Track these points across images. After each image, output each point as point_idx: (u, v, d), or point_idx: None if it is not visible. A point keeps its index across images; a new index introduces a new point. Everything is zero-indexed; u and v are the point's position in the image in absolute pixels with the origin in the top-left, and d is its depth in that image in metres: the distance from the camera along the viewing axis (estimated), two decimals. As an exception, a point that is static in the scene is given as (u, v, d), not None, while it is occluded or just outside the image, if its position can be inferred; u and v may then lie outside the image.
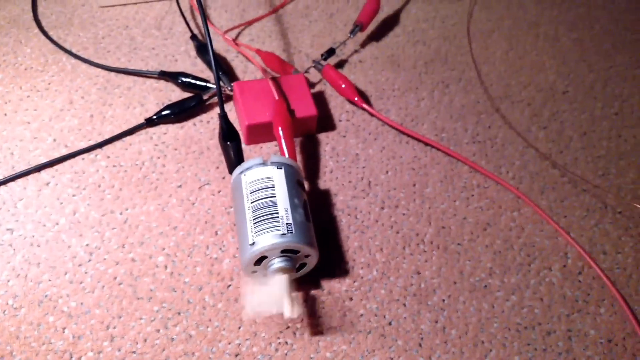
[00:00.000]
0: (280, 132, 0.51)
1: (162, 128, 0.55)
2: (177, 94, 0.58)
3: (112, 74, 0.59)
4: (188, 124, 0.56)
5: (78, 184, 0.51)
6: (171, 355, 0.43)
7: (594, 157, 0.58)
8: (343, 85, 0.57)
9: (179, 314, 0.45)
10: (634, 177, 0.56)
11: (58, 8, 0.64)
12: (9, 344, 0.42)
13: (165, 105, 0.55)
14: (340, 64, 0.62)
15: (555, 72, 0.65)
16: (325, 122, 0.57)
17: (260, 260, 0.44)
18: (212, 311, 0.45)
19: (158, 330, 0.44)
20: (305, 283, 0.47)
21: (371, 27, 0.66)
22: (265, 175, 0.46)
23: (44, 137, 0.54)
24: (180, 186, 0.51)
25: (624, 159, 0.58)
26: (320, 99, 0.58)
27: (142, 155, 0.53)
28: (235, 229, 0.49)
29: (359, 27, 0.61)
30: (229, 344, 0.44)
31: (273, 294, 0.42)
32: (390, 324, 0.46)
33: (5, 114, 0.55)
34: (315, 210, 0.50)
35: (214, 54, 0.47)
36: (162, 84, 0.58)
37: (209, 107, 0.57)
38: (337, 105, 0.59)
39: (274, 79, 0.55)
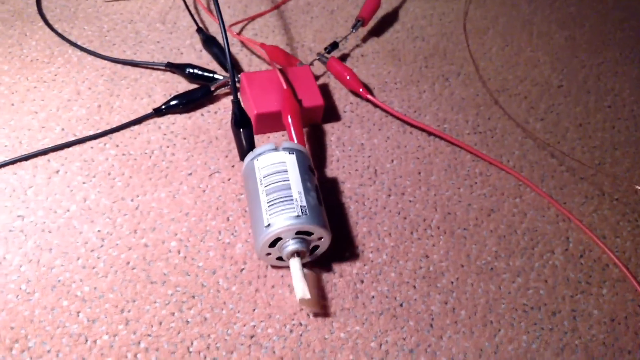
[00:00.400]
0: (289, 120, 0.51)
1: (170, 118, 0.56)
2: (183, 86, 0.58)
3: (119, 66, 0.59)
4: (196, 114, 0.57)
5: (88, 172, 0.51)
6: (187, 338, 0.43)
7: (590, 147, 0.60)
8: (348, 77, 0.58)
9: (194, 297, 0.45)
10: (628, 165, 0.58)
11: (62, 2, 0.65)
12: (24, 327, 0.42)
13: (173, 95, 0.56)
14: (343, 58, 0.64)
15: (549, 68, 0.67)
16: (330, 113, 0.58)
17: (274, 242, 0.44)
18: (226, 294, 0.45)
19: (173, 314, 0.44)
20: (317, 266, 0.47)
21: (371, 23, 0.67)
22: (277, 160, 0.46)
23: (52, 126, 0.54)
24: (190, 174, 0.52)
25: (618, 149, 0.60)
26: (324, 91, 0.60)
27: (151, 144, 0.54)
28: (247, 213, 0.49)
29: (360, 22, 0.63)
30: (244, 326, 0.44)
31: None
32: (401, 305, 0.46)
33: (13, 104, 0.55)
34: (324, 197, 0.50)
35: (227, 40, 0.48)
36: (168, 75, 0.59)
37: (216, 98, 0.58)
38: (342, 97, 0.60)
39: (281, 69, 0.56)
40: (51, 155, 0.52)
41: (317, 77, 0.61)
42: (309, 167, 0.47)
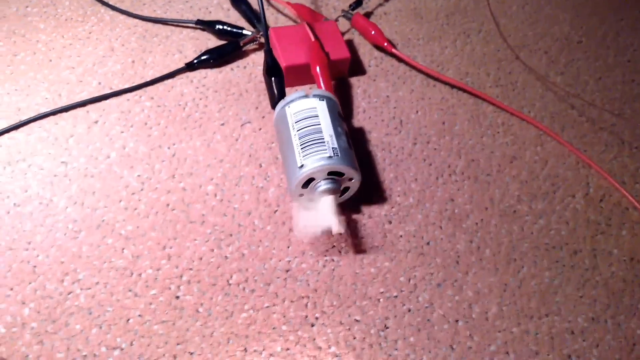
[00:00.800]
0: (318, 70, 0.53)
1: (202, 72, 0.58)
2: (213, 42, 0.60)
3: (150, 24, 0.61)
4: (226, 69, 0.59)
5: (125, 122, 0.53)
6: (226, 272, 0.45)
7: (609, 99, 0.61)
8: (372, 32, 0.60)
9: (231, 235, 0.47)
10: (647, 116, 0.60)
11: (93, -36, 0.66)
12: (72, 262, 0.45)
13: (204, 50, 0.58)
14: (366, 16, 0.65)
15: (569, 24, 0.68)
16: (356, 67, 0.60)
17: (307, 183, 0.47)
18: (261, 233, 0.48)
19: (212, 250, 0.46)
20: (347, 208, 0.49)
21: (393, -17, 0.68)
22: (309, 106, 0.48)
23: (89, 80, 0.56)
24: (222, 124, 0.54)
25: (637, 101, 0.61)
26: (349, 47, 0.61)
27: (184, 97, 0.56)
28: (279, 160, 0.52)
29: (383, -20, 0.64)
30: (280, 261, 0.46)
31: (321, 214, 0.45)
32: (428, 244, 0.48)
33: (51, 60, 0.57)
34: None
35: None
36: (198, 33, 0.61)
37: (245, 54, 0.60)
38: (366, 53, 0.62)
39: (308, 24, 0.57)
40: (89, 107, 0.54)
41: (342, 34, 0.62)
42: (338, 114, 0.49)
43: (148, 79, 0.56)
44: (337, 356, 0.42)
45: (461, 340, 0.44)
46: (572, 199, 0.52)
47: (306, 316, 0.44)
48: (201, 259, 0.46)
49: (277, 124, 0.50)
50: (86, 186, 0.49)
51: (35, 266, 0.44)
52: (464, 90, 0.59)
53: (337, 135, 0.47)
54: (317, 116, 0.48)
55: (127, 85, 0.56)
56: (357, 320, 0.44)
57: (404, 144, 0.55)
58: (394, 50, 0.59)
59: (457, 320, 0.45)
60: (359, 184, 0.48)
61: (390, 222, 0.49)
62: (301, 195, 0.48)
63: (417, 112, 0.57)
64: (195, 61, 0.57)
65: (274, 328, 0.43)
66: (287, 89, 0.56)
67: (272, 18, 0.64)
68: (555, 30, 0.67)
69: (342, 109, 0.55)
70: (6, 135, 0.51)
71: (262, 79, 0.56)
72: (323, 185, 0.46)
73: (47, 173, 0.49)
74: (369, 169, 0.52)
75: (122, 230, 0.47)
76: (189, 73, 0.57)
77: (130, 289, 0.44)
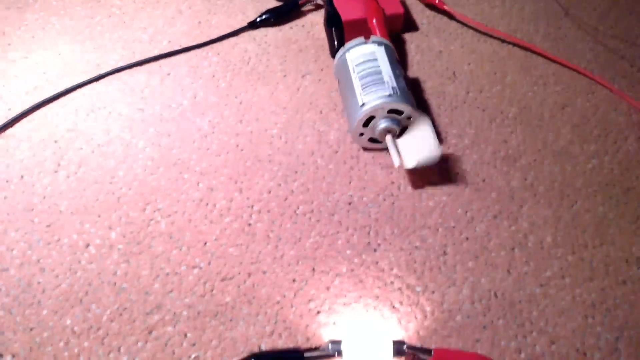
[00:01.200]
0: (375, 23, 0.56)
1: (263, 31, 0.62)
2: (273, 4, 0.64)
3: (214, -11, 0.65)
4: (285, 27, 0.62)
5: (194, 75, 0.57)
6: (293, 204, 0.49)
7: (660, 52, 0.62)
8: (425, -10, 0.62)
9: (296, 172, 0.51)
10: (699, 67, 0.61)
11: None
12: (152, 194, 0.49)
13: (264, 10, 0.62)
14: (417, -21, 0.68)
15: (617, -16, 0.70)
16: (408, 24, 0.63)
17: (367, 122, 0.49)
18: (324, 170, 0.51)
19: (279, 185, 0.50)
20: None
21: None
22: (368, 51, 0.51)
23: (159, 39, 0.60)
24: (285, 76, 0.58)
25: (688, 53, 0.62)
26: (402, 4, 0.64)
27: (247, 53, 0.59)
28: (340, 106, 0.55)
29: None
30: (342, 195, 0.49)
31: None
32: (483, 180, 0.51)
33: (124, 22, 0.62)
34: (410, 88, 0.55)
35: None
36: (259, -5, 0.65)
37: (302, 14, 0.63)
38: (418, 12, 0.64)
39: (363, -18, 0.60)
40: (161, 61, 0.58)
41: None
42: (395, 59, 0.52)
43: (214, 37, 0.60)
44: (399, 277, 0.45)
45: (517, 265, 0.46)
46: (625, 142, 0.54)
47: (369, 242, 0.47)
48: (270, 192, 0.49)
49: (338, 71, 0.53)
50: (162, 129, 0.53)
51: (119, 197, 0.49)
52: (515, 44, 0.61)
53: (396, 77, 0.50)
54: (376, 59, 0.50)
55: (194, 43, 0.60)
56: (417, 247, 0.47)
57: (458, 93, 0.57)
58: (445, 7, 0.62)
59: (513, 248, 0.47)
60: (417, 123, 0.50)
61: (446, 162, 0.52)
62: (362, 134, 0.51)
63: (469, 64, 0.59)
64: (257, 19, 0.60)
65: (339, 252, 0.46)
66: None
67: (327, -18, 0.67)
68: (604, -10, 0.69)
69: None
70: (88, 86, 0.56)
71: (320, 36, 0.59)
72: (383, 123, 0.49)
73: (126, 118, 0.54)
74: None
75: (197, 167, 0.50)
76: (251, 32, 0.61)
77: (206, 216, 0.47)
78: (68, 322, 0.42)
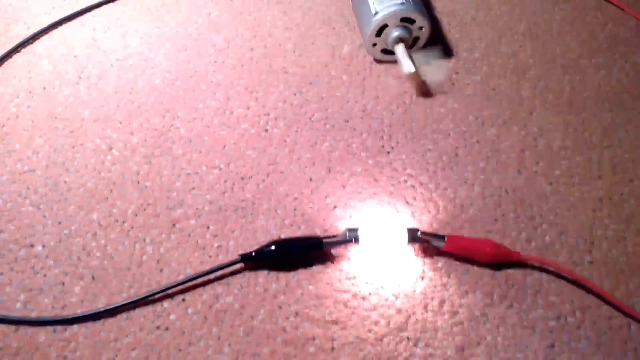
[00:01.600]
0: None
1: (275, -45, 0.62)
2: None
3: None
4: (297, -49, 0.63)
5: (209, -5, 0.58)
6: (308, 111, 0.50)
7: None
8: None
9: (310, 83, 0.52)
10: None
11: None
12: (172, 103, 0.50)
13: None
14: None
15: None
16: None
17: (380, 31, 0.50)
18: (338, 81, 0.52)
19: (294, 94, 0.51)
20: (416, 60, 0.53)
21: None
22: (380, -37, 0.52)
23: (173, -37, 0.61)
24: (297, -5, 0.58)
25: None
26: None
27: (260, -25, 0.60)
28: (354, 19, 0.55)
29: None
30: (356, 103, 0.51)
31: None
32: (493, 89, 0.52)
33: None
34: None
35: None
36: None
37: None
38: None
39: None
40: (176, -17, 0.59)
41: None
42: (407, -27, 0.53)
43: (226, -39, 0.61)
44: (412, 176, 0.46)
45: (527, 166, 0.47)
46: (632, 55, 0.55)
47: (382, 145, 0.48)
48: (285, 101, 0.50)
49: (350, -15, 0.54)
50: (179, 45, 0.54)
51: (139, 106, 0.50)
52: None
53: (408, -12, 0.50)
54: (388, -28, 0.51)
55: (208, -34, 0.60)
56: (429, 149, 0.48)
57: (467, 11, 0.58)
58: None
59: (523, 150, 0.48)
60: (428, 33, 0.51)
61: (457, 73, 0.53)
62: (375, 45, 0.52)
63: (479, -16, 0.60)
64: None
65: (354, 154, 0.47)
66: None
67: None
68: None
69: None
70: (105, 6, 0.57)
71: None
72: (395, 31, 0.50)
73: (143, 35, 0.55)
74: (435, 30, 0.56)
75: (214, 79, 0.52)
76: (264, -45, 0.62)
77: (224, 123, 0.49)
78: (94, 216, 0.44)
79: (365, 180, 0.46)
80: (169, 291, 0.40)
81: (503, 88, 0.52)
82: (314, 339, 0.38)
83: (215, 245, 0.42)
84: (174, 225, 0.43)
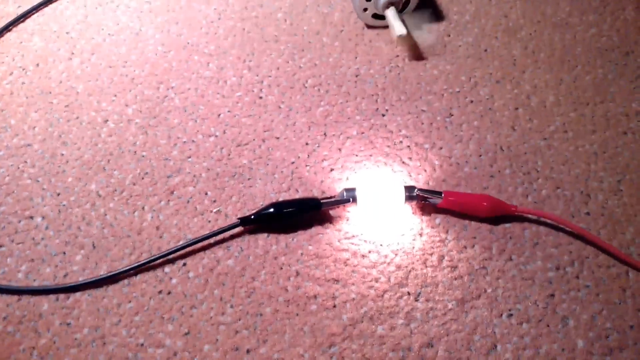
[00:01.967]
0: None
1: None
2: None
3: None
4: None
5: (198, -31, 0.58)
6: (301, 78, 0.50)
7: None
8: None
9: (303, 50, 0.52)
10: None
11: None
12: (165, 74, 0.50)
13: None
14: None
15: None
16: None
17: (371, -5, 0.50)
18: (330, 48, 0.52)
19: (287, 62, 0.51)
20: (407, 24, 0.53)
21: None
22: None
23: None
24: (286, -35, 0.58)
25: None
26: None
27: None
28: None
29: None
30: (349, 68, 0.51)
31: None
32: (485, 50, 0.52)
33: None
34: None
35: None
36: None
37: None
38: None
39: None
40: (164, -42, 0.59)
41: None
42: (396, -63, 0.53)
43: None
44: (407, 137, 0.46)
45: (521, 123, 0.47)
46: (623, 12, 0.55)
47: (377, 108, 0.48)
48: (278, 68, 0.51)
49: (339, -49, 0.54)
50: (170, 18, 0.54)
51: (132, 78, 0.50)
52: None
53: (397, -49, 0.50)
54: (377, -64, 0.51)
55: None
56: (423, 110, 0.48)
57: (457, -25, 0.58)
58: None
59: (516, 108, 0.48)
60: (419, -3, 0.51)
61: (449, 35, 0.53)
62: (365, 10, 0.52)
63: (468, -52, 0.60)
64: None
65: (349, 118, 0.48)
66: None
67: None
68: None
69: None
70: (94, -17, 0.57)
71: None
72: (386, -5, 0.50)
73: (134, 10, 0.55)
74: (425, -5, 0.56)
75: (206, 50, 0.52)
76: None
77: (218, 92, 0.49)
78: (93, 187, 0.44)
79: (361, 143, 0.46)
80: (170, 256, 0.40)
81: (495, 48, 0.52)
82: (315, 297, 0.39)
83: (214, 210, 0.43)
84: (172, 192, 0.44)
